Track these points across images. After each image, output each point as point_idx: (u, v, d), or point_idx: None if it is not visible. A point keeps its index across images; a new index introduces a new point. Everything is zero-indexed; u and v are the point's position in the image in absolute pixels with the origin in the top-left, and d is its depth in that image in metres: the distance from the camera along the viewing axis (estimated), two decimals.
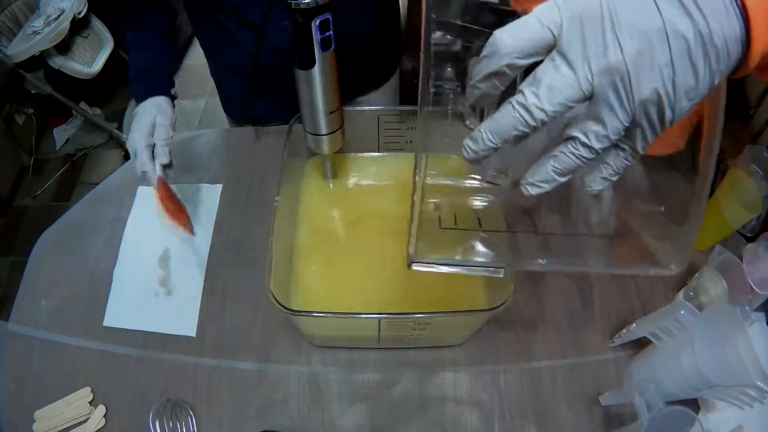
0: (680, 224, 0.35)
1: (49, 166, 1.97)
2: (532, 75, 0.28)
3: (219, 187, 0.79)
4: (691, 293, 0.62)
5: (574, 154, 0.28)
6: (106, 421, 0.61)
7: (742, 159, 0.63)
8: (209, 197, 0.78)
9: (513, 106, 0.28)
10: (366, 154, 0.73)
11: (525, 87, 0.28)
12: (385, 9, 0.81)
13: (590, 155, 0.28)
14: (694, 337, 0.49)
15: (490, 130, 0.29)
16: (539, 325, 0.66)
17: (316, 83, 0.53)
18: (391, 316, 0.53)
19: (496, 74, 0.29)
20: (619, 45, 0.25)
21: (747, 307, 0.58)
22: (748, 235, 0.66)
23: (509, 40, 0.27)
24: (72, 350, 0.66)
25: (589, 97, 0.27)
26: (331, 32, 0.50)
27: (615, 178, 0.30)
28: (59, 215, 0.79)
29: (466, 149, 0.31)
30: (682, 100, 0.25)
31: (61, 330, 0.68)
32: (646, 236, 0.40)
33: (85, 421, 0.61)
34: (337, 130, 0.60)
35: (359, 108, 0.67)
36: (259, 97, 0.80)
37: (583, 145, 0.28)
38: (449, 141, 0.43)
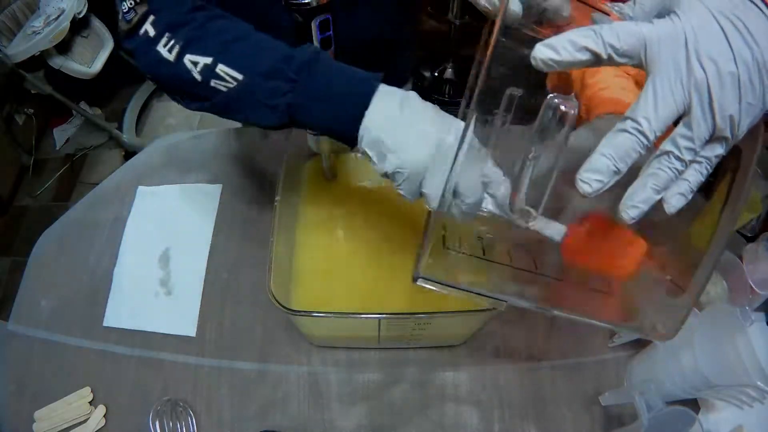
0: (677, 294, 0.37)
1: (49, 166, 1.97)
2: (633, 105, 0.31)
3: (219, 187, 0.79)
4: None
5: (670, 168, 0.32)
6: (106, 421, 0.61)
7: None
8: (209, 197, 0.78)
9: (628, 131, 0.31)
10: None
11: (634, 114, 0.31)
12: (399, 14, 0.79)
13: (681, 167, 0.32)
14: (694, 337, 0.49)
15: (615, 156, 0.31)
16: (539, 325, 0.66)
17: None
18: (391, 316, 0.53)
19: (592, 52, 0.32)
20: (702, 67, 0.30)
21: (747, 307, 0.58)
22: (748, 235, 0.66)
23: (613, 37, 0.31)
24: (72, 350, 0.66)
25: (682, 114, 0.31)
26: (331, 32, 0.50)
27: (691, 195, 0.33)
28: (59, 215, 0.79)
29: (588, 183, 0.32)
30: (746, 116, 0.30)
31: (61, 330, 0.68)
32: (642, 299, 0.41)
33: (85, 421, 0.61)
34: None
35: None
36: None
37: (677, 158, 0.31)
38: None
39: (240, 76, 0.43)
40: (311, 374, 0.64)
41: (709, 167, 0.32)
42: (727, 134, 0.31)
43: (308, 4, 0.46)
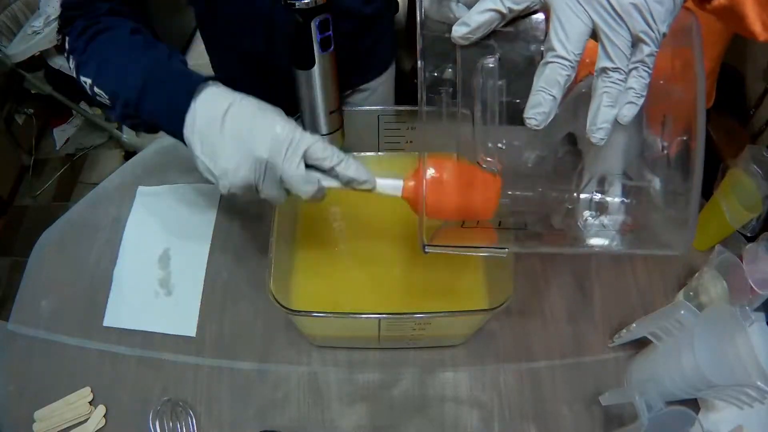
0: (681, 215, 0.40)
1: (49, 166, 1.97)
2: (546, 38, 0.35)
3: None
4: (691, 293, 0.62)
5: (613, 82, 0.34)
6: (106, 421, 0.61)
7: (742, 159, 0.63)
8: (209, 197, 0.78)
9: (549, 61, 0.35)
10: (366, 154, 0.73)
11: (550, 43, 0.34)
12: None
13: (622, 77, 0.34)
14: (694, 337, 0.49)
15: (545, 86, 0.35)
16: (539, 325, 0.66)
17: (316, 83, 0.53)
18: (391, 316, 0.53)
19: (494, 11, 0.36)
20: None
21: (747, 307, 0.58)
22: (748, 235, 0.66)
23: None
24: (72, 350, 0.66)
25: (594, 29, 0.34)
26: (330, 32, 0.50)
27: (641, 101, 0.35)
28: (59, 215, 0.79)
29: (533, 118, 0.35)
30: (654, 4, 0.33)
31: (61, 330, 0.68)
32: (651, 224, 0.43)
33: (85, 421, 0.61)
34: (337, 130, 0.60)
35: (359, 108, 0.67)
36: (265, 94, 0.79)
37: (614, 69, 0.34)
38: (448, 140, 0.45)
39: (107, 96, 0.50)
40: (311, 374, 0.64)
41: (646, 69, 0.35)
42: (644, 28, 0.33)
43: (308, 4, 0.46)
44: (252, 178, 0.44)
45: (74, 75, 0.53)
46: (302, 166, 0.45)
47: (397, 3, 0.88)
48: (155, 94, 0.47)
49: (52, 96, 1.72)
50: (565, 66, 0.34)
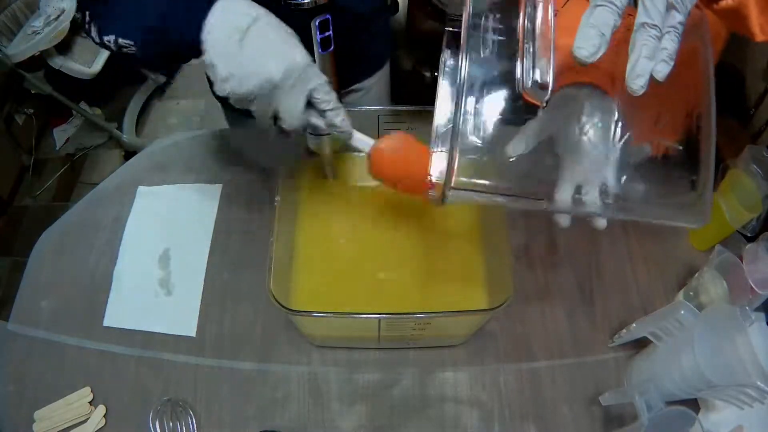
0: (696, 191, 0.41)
1: (49, 166, 1.96)
2: None
3: (219, 187, 0.79)
4: (691, 293, 0.62)
5: (650, 37, 0.36)
6: (106, 421, 0.61)
7: (742, 159, 0.63)
8: (209, 197, 0.78)
9: (600, 4, 0.36)
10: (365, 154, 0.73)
11: None
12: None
13: (658, 34, 0.36)
14: (694, 337, 0.49)
15: (595, 24, 0.36)
16: (539, 325, 0.66)
17: None
18: (391, 316, 0.53)
19: None
20: None
21: (747, 307, 0.58)
22: (748, 235, 0.66)
23: None
24: (72, 350, 0.66)
25: None
26: (330, 32, 0.50)
27: (672, 63, 0.36)
28: (59, 215, 0.79)
29: (583, 50, 0.36)
30: None
31: (61, 330, 0.68)
32: (668, 203, 0.43)
33: (85, 421, 0.61)
34: None
35: (359, 108, 0.67)
36: None
37: (652, 26, 0.36)
38: None
39: (131, 41, 0.49)
40: (311, 374, 0.64)
41: (677, 34, 0.36)
42: None
43: (308, 4, 0.47)
44: (255, 92, 0.45)
45: (98, 42, 0.52)
46: (303, 100, 0.46)
47: (397, 3, 0.88)
48: (179, 8, 0.46)
49: (52, 96, 1.72)
50: (613, 11, 0.35)
